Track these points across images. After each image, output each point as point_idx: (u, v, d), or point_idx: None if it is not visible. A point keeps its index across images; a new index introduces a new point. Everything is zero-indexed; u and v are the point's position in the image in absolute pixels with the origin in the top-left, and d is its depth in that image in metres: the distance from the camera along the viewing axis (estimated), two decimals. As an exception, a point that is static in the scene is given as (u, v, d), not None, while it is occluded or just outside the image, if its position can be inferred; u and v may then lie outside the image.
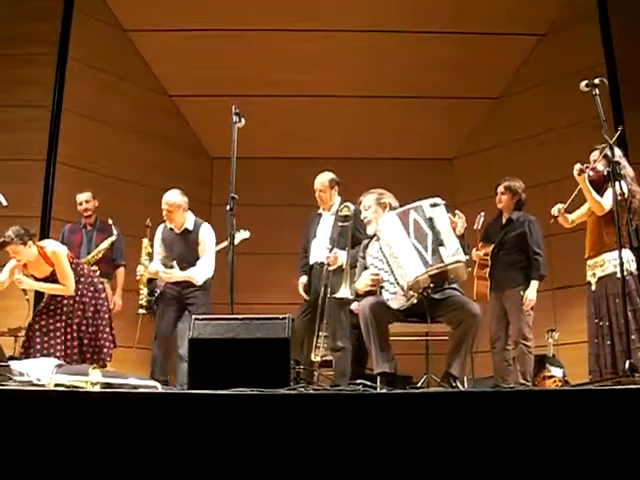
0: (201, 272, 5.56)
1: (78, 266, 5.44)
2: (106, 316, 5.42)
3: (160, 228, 5.84)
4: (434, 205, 4.33)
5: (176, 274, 5.61)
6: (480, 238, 5.78)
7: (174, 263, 5.64)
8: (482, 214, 5.77)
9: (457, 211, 4.39)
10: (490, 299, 5.64)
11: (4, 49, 7.21)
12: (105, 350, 5.28)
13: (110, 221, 6.26)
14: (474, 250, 5.58)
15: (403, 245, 4.24)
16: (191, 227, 5.68)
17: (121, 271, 6.51)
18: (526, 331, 5.44)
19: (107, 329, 5.35)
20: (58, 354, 5.12)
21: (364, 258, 4.62)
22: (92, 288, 5.38)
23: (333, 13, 7.77)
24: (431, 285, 4.26)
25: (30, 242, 5.18)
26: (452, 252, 4.19)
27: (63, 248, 5.40)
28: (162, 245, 5.78)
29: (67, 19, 7.41)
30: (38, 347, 5.15)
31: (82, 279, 5.37)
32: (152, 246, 5.90)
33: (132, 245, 6.79)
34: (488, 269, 5.64)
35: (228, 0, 7.65)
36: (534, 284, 5.49)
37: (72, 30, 7.41)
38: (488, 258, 5.65)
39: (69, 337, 5.21)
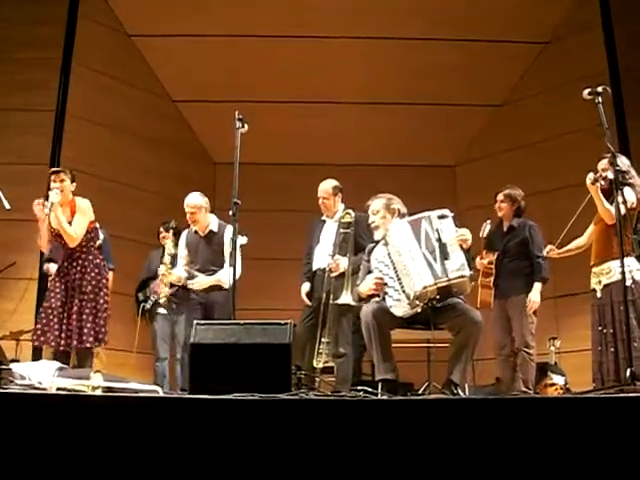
0: (229, 273, 5.46)
1: (92, 242, 5.41)
2: (107, 298, 5.34)
3: (185, 233, 5.82)
4: (442, 217, 4.33)
5: (204, 280, 5.53)
6: (483, 247, 5.77)
7: (195, 272, 5.58)
8: (488, 222, 5.77)
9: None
10: (494, 307, 5.61)
11: (8, 53, 7.23)
12: (104, 330, 5.23)
13: (97, 224, 6.25)
14: (478, 258, 5.57)
15: (414, 254, 4.26)
16: (216, 229, 5.64)
17: (110, 275, 6.49)
18: (529, 338, 5.41)
19: (104, 315, 5.28)
20: (56, 320, 5.13)
21: (368, 262, 4.61)
22: (97, 270, 5.29)
23: (337, 20, 7.78)
24: (437, 296, 4.26)
25: (74, 184, 5.35)
26: (457, 267, 4.21)
27: (91, 211, 5.41)
28: (187, 249, 5.74)
29: (71, 24, 7.42)
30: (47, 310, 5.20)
31: (90, 257, 5.32)
32: (175, 246, 5.91)
33: (133, 250, 6.83)
34: (492, 278, 5.62)
35: (232, 6, 7.67)
36: (537, 286, 5.46)
37: (76, 35, 7.42)
38: (492, 267, 5.63)
39: (69, 309, 5.16)
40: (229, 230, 5.58)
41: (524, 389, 5.33)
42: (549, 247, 5.38)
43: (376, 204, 4.71)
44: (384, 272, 4.39)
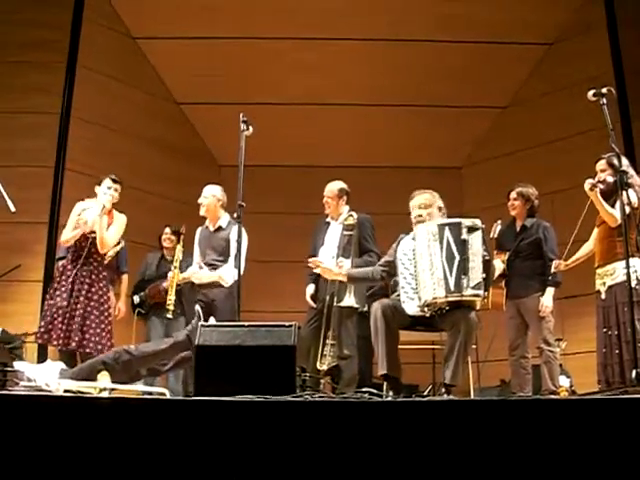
0: (231, 272, 5.31)
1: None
2: (110, 310, 5.51)
3: (198, 230, 5.75)
4: (472, 229, 4.26)
5: (204, 275, 5.42)
6: (495, 246, 5.67)
7: (202, 264, 5.50)
8: (498, 222, 5.68)
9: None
10: (507, 307, 5.50)
11: (13, 56, 7.25)
12: (105, 342, 5.27)
13: None
14: None
15: (433, 260, 4.25)
16: (224, 225, 5.55)
17: (125, 278, 6.53)
18: (549, 337, 5.29)
19: (108, 328, 5.34)
20: (60, 319, 5.19)
21: (396, 251, 4.56)
22: (104, 281, 5.41)
23: (343, 21, 7.79)
24: (447, 307, 4.26)
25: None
26: (473, 285, 4.16)
27: (124, 222, 5.68)
28: (198, 246, 5.68)
29: (76, 27, 7.45)
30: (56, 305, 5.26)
31: (100, 268, 5.42)
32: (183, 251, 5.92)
33: (138, 252, 6.82)
34: (504, 278, 5.55)
35: (237, 8, 7.69)
36: (549, 291, 5.34)
37: (81, 38, 7.44)
38: (504, 266, 5.56)
39: (72, 310, 5.22)
40: (235, 229, 5.56)
41: (552, 388, 5.21)
42: (556, 262, 5.27)
43: (426, 199, 4.65)
44: (406, 266, 4.40)
